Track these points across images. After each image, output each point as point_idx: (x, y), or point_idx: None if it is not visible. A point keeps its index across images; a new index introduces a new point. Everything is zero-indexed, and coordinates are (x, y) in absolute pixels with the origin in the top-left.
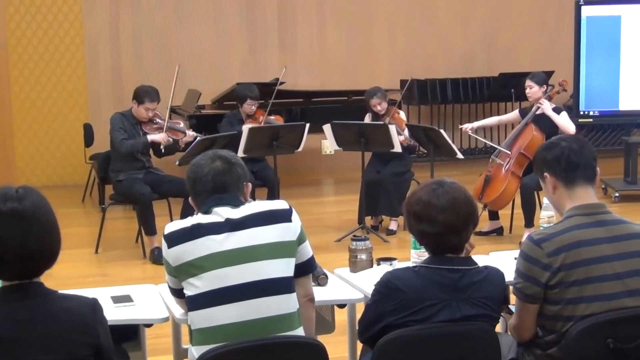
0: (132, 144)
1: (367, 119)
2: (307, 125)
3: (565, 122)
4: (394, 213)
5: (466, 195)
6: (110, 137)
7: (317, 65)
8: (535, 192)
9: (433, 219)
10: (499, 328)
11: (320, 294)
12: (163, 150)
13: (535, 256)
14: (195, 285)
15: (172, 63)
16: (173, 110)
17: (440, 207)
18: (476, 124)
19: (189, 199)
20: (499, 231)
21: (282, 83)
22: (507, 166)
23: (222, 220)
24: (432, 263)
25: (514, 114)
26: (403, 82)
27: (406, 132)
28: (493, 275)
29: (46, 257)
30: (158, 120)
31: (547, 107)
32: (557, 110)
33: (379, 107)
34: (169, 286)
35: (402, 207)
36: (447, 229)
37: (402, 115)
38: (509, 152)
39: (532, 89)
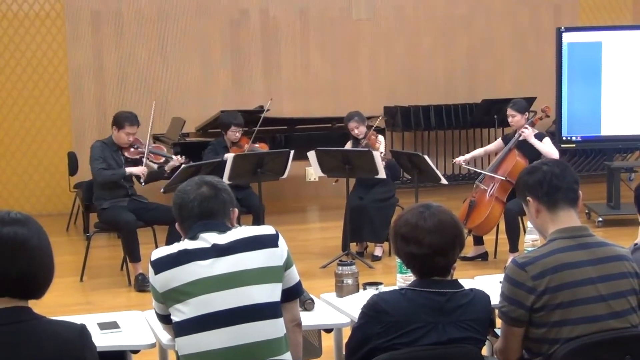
0: (110, 174)
1: (349, 145)
2: (292, 152)
3: (548, 149)
4: (378, 239)
5: (452, 218)
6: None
7: (301, 92)
8: (519, 217)
9: (420, 241)
10: (485, 351)
11: (307, 318)
12: (143, 184)
13: (519, 279)
14: (182, 311)
15: (156, 91)
16: (157, 138)
17: (427, 229)
18: (468, 156)
19: (176, 225)
20: (483, 256)
21: (267, 110)
22: (491, 191)
23: (209, 245)
24: (419, 286)
25: (497, 142)
26: (386, 109)
27: (381, 148)
28: (479, 298)
29: (43, 278)
30: (139, 145)
31: (529, 135)
32: (539, 136)
33: (356, 131)
34: (156, 312)
35: (389, 231)
36: (434, 250)
37: (380, 138)
38: (495, 176)
39: (515, 118)
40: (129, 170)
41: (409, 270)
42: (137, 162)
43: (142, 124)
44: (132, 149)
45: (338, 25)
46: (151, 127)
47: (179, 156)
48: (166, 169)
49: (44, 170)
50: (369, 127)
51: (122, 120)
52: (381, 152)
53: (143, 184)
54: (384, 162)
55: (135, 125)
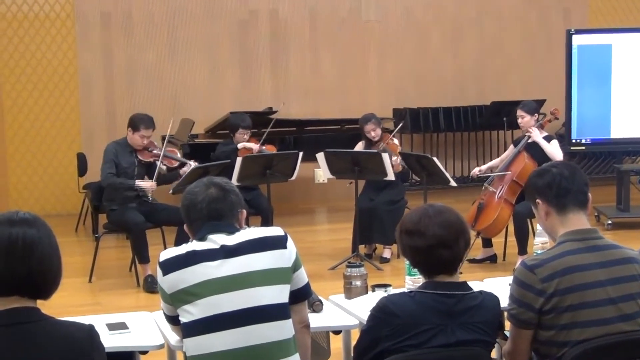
0: (119, 183)
1: (360, 147)
2: (301, 153)
3: (553, 150)
4: (387, 241)
5: (456, 215)
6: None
7: (309, 94)
8: (528, 220)
9: (424, 233)
10: (494, 354)
11: (316, 320)
12: (150, 199)
13: (528, 282)
14: (190, 312)
15: (165, 92)
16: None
17: (431, 223)
18: (484, 167)
19: (184, 226)
20: (492, 258)
21: (275, 111)
22: (500, 194)
23: (217, 247)
24: (428, 288)
25: (510, 148)
26: (395, 111)
27: (399, 158)
28: (488, 300)
29: (52, 278)
30: (154, 149)
31: (536, 135)
32: (548, 139)
33: (373, 134)
34: (164, 313)
35: (396, 232)
36: (438, 241)
37: (396, 141)
38: (505, 173)
39: (524, 119)
40: (138, 183)
41: (417, 272)
42: (150, 165)
43: (156, 119)
44: (146, 152)
45: (347, 26)
46: (166, 143)
47: (192, 161)
48: (180, 173)
49: (53, 171)
50: (385, 131)
51: (138, 122)
52: (397, 159)
53: (150, 199)
54: (405, 168)
55: (151, 128)
